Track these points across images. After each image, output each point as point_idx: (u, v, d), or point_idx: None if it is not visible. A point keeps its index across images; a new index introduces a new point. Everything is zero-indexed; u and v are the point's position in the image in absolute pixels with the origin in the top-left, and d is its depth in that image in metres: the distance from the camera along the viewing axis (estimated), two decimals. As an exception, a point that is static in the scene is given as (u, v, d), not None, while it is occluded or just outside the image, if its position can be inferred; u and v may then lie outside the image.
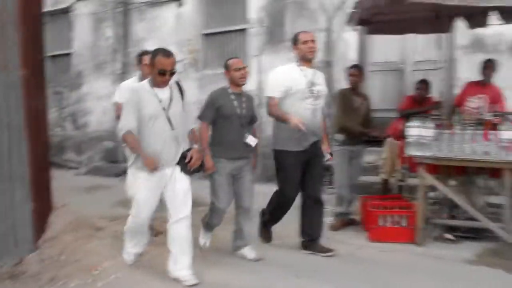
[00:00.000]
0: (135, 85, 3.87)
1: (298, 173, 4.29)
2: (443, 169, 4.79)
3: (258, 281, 3.77)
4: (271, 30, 8.17)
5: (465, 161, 4.41)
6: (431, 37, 6.99)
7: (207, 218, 4.37)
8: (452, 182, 5.08)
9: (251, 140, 4.21)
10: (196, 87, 8.44)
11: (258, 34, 8.27)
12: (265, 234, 4.69)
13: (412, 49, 7.42)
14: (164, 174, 3.65)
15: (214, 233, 4.52)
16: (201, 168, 3.83)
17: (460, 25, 5.95)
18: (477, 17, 5.33)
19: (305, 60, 4.28)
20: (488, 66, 5.35)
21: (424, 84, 5.76)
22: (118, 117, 4.43)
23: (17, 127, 4.06)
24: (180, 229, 3.69)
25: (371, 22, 5.67)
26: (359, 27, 6.60)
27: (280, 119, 4.18)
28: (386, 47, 7.46)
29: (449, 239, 4.66)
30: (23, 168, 4.07)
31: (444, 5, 4.52)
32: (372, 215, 4.77)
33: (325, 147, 4.45)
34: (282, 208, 4.46)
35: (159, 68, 3.52)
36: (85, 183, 7.87)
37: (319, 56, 7.54)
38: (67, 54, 10.65)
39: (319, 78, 4.38)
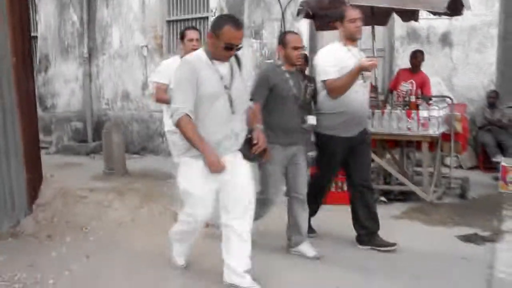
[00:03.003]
0: (188, 57, 3.13)
1: (340, 160, 3.96)
2: (379, 144, 5.70)
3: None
4: (230, 18, 8.85)
5: (392, 135, 5.29)
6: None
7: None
8: (387, 155, 6.04)
9: (312, 120, 3.84)
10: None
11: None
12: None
13: (357, 39, 8.24)
14: (224, 163, 3.01)
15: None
16: (264, 153, 3.22)
17: (397, 18, 6.81)
18: (408, 13, 6.18)
19: (351, 39, 3.91)
20: (415, 57, 6.28)
21: (364, 71, 6.59)
22: (158, 99, 4.55)
23: (10, 109, 4.57)
24: (242, 227, 3.13)
25: (316, 16, 6.39)
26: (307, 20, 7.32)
27: (350, 82, 3.68)
28: (335, 36, 8.25)
29: (383, 201, 5.54)
30: (17, 144, 4.61)
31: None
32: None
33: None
34: (316, 194, 4.06)
35: (226, 41, 2.92)
36: (57, 161, 8.34)
37: (274, 44, 8.34)
38: (33, 37, 10.91)
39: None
